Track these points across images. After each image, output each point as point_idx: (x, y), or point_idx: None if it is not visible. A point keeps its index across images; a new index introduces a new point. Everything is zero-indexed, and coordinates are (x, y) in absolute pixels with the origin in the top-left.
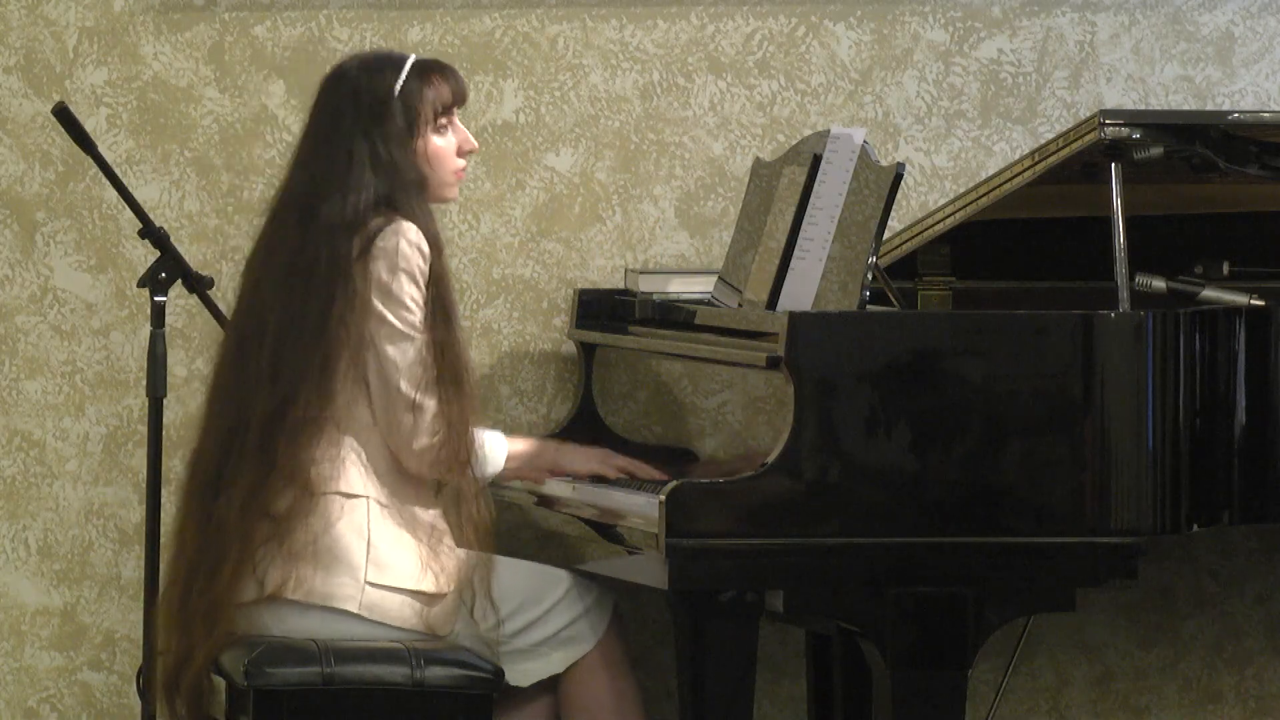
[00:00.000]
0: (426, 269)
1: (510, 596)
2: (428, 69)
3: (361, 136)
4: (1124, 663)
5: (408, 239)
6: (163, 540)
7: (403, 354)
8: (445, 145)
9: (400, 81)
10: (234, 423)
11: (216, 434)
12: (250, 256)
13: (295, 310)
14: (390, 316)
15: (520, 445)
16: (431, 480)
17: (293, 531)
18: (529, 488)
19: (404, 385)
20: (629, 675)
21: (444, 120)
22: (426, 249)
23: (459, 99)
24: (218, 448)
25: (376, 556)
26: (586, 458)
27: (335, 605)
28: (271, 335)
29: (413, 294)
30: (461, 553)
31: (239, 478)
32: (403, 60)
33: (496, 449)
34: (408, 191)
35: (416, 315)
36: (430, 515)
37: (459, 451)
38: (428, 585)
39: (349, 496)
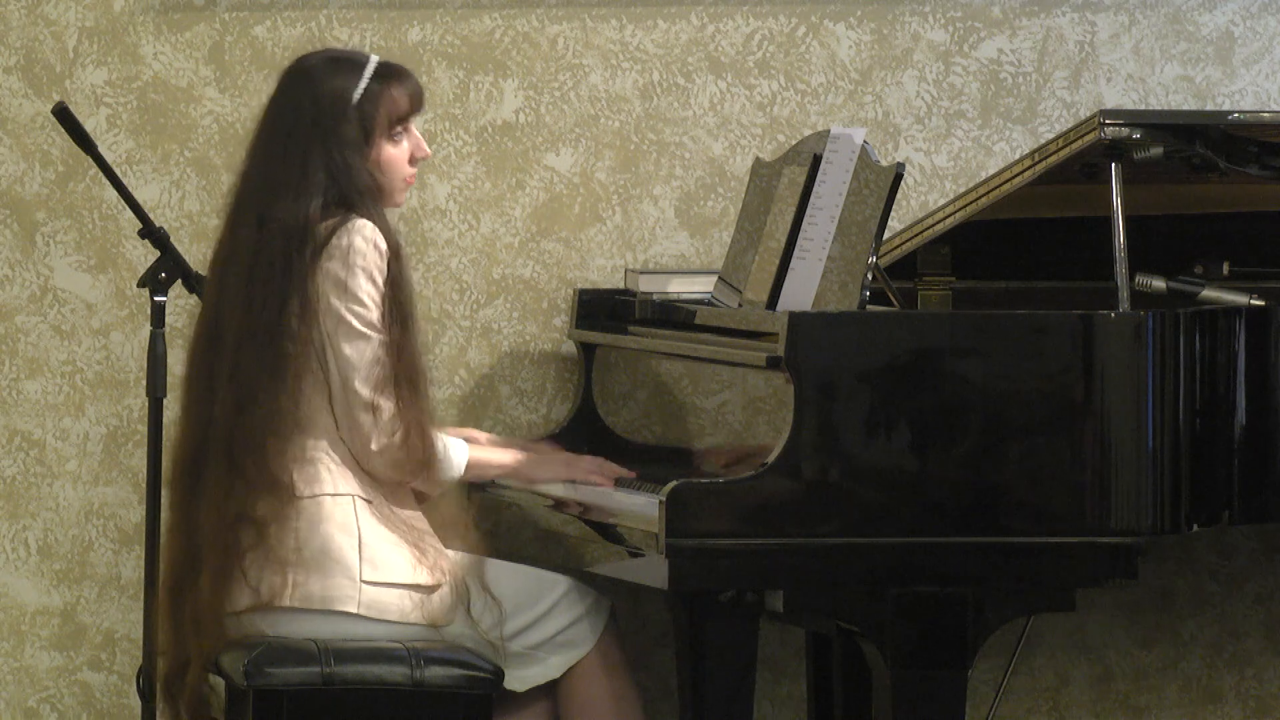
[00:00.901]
0: (384, 266)
1: (506, 600)
2: (387, 77)
3: (318, 140)
4: (1124, 663)
5: (363, 236)
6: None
7: (359, 353)
8: (398, 153)
9: (360, 88)
10: (204, 426)
11: (190, 438)
12: (214, 256)
13: (253, 315)
14: (347, 314)
15: (484, 455)
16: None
17: (281, 538)
18: (525, 486)
19: (359, 385)
20: (628, 677)
21: (399, 129)
22: (383, 246)
23: (416, 108)
24: (192, 451)
25: (370, 554)
26: (553, 470)
27: (335, 608)
28: (231, 339)
29: (369, 291)
30: (452, 552)
31: (210, 482)
32: (363, 64)
33: (457, 454)
34: (362, 196)
35: (373, 312)
36: (412, 514)
37: (417, 452)
38: (423, 578)
39: (334, 496)
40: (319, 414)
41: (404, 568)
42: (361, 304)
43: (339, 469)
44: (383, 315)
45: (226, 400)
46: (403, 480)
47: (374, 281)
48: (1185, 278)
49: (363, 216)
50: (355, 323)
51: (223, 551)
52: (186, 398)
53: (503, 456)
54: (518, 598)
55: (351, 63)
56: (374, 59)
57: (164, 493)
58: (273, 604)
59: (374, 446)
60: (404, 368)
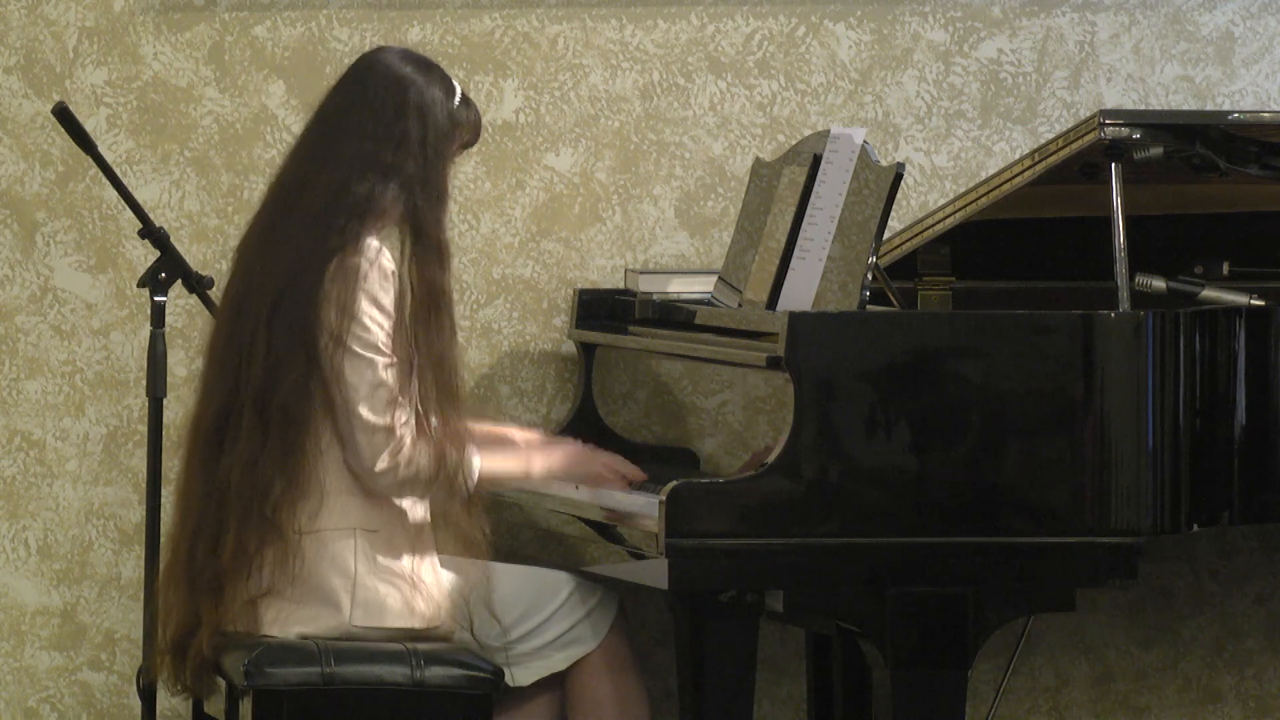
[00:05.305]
0: (389, 286)
1: (512, 604)
2: (469, 105)
3: (418, 128)
4: (1124, 663)
5: (366, 258)
6: (162, 539)
7: (360, 376)
8: None
9: (455, 101)
10: (231, 386)
11: (216, 396)
12: (270, 199)
13: (306, 289)
14: (346, 337)
15: (497, 467)
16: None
17: (279, 572)
18: (523, 486)
19: (361, 409)
20: (634, 675)
21: (457, 156)
22: (389, 266)
23: (474, 143)
24: (217, 411)
25: (363, 597)
26: (566, 470)
27: None
28: (270, 302)
29: (372, 314)
30: (451, 575)
31: (237, 444)
32: (453, 84)
33: (468, 470)
34: (430, 201)
35: (375, 335)
36: (419, 524)
37: (425, 473)
38: (416, 623)
39: (334, 530)
40: (330, 450)
41: (397, 612)
42: (363, 326)
43: (343, 498)
44: (389, 336)
45: (260, 364)
46: (408, 497)
47: (376, 303)
48: (1185, 278)
49: (426, 219)
50: (355, 346)
51: (241, 521)
52: (213, 350)
53: (515, 467)
54: (524, 602)
55: (444, 75)
56: (456, 83)
57: (164, 492)
58: (265, 635)
59: (376, 468)
60: (445, 378)
